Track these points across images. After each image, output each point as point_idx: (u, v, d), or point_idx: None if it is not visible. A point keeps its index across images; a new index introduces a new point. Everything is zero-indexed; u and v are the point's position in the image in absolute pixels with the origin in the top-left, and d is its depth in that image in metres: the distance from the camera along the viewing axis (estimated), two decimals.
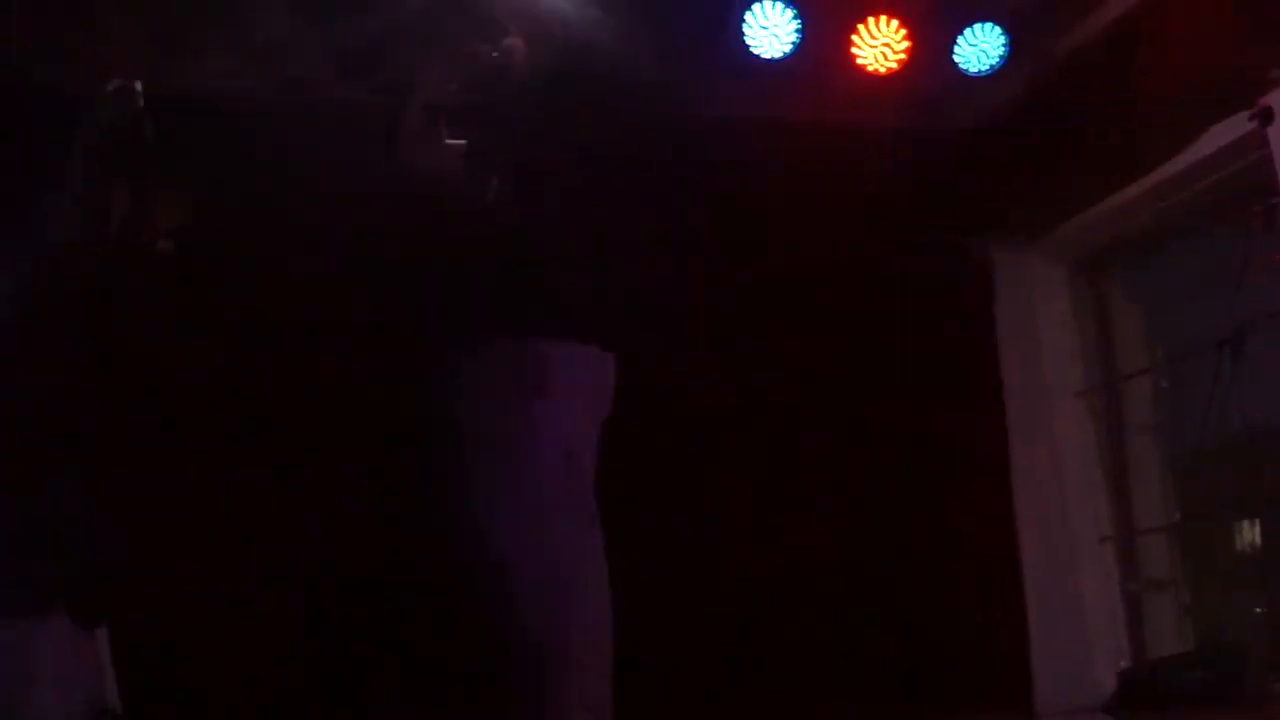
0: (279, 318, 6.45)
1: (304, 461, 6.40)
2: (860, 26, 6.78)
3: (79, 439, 3.76)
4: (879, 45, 6.80)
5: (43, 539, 3.55)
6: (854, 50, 6.81)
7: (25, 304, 3.68)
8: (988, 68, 6.89)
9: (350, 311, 6.34)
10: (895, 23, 6.76)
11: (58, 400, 3.70)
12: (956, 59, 6.89)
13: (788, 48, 6.67)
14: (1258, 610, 7.08)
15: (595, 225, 4.18)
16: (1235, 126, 6.22)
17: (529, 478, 3.66)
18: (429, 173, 4.28)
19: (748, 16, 6.61)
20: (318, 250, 6.56)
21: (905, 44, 6.78)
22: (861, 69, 6.85)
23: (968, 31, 6.84)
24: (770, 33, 6.63)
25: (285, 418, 6.43)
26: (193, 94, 6.33)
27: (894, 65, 6.83)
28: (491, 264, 3.96)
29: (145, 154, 3.72)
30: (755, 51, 6.66)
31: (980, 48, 6.85)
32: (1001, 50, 6.84)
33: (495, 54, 4.31)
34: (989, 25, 6.81)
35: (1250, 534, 7.26)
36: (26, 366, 3.68)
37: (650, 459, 6.46)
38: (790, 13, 6.62)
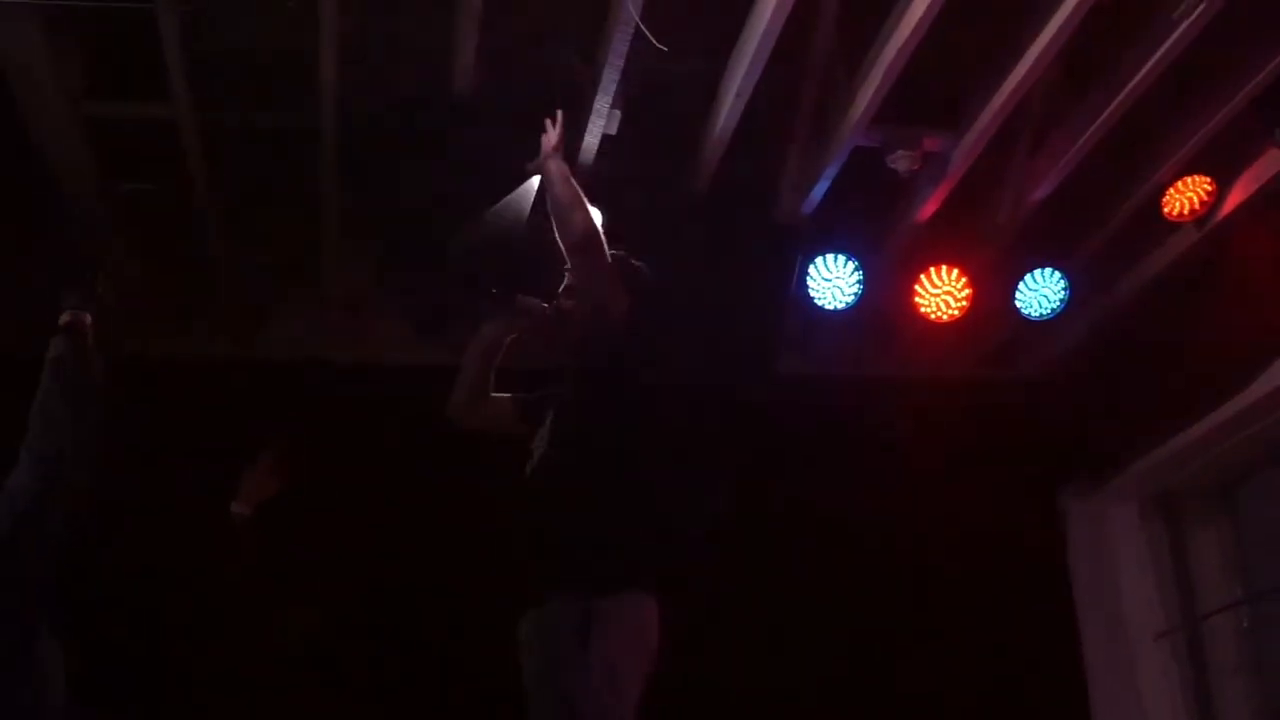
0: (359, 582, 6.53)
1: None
2: (922, 276, 6.88)
3: None
4: (940, 294, 6.89)
5: None
6: (917, 299, 6.90)
7: None
8: (1049, 312, 6.96)
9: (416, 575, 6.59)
10: (955, 271, 6.86)
11: None
12: (1018, 305, 6.97)
13: (850, 299, 6.76)
14: None
15: (662, 488, 4.28)
16: None
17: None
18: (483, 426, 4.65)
19: (812, 270, 6.70)
20: (393, 515, 6.67)
21: (966, 292, 6.87)
22: (924, 318, 6.93)
23: (1028, 278, 6.93)
24: (833, 285, 6.73)
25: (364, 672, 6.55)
26: (274, 361, 6.51)
27: (956, 313, 6.91)
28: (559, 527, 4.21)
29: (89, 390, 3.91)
30: (819, 304, 6.74)
31: (1041, 293, 6.94)
32: (1062, 295, 6.92)
33: (549, 310, 4.49)
34: (1049, 271, 6.90)
35: None
36: None
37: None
38: (852, 265, 6.73)
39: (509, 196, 5.63)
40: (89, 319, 4.03)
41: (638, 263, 4.53)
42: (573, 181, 4.40)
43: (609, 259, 4.34)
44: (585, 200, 4.32)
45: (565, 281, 4.52)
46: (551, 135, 4.50)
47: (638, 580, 4.15)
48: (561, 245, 4.35)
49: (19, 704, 3.72)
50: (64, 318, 4.01)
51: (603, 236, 4.32)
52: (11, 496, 3.77)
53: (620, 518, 4.17)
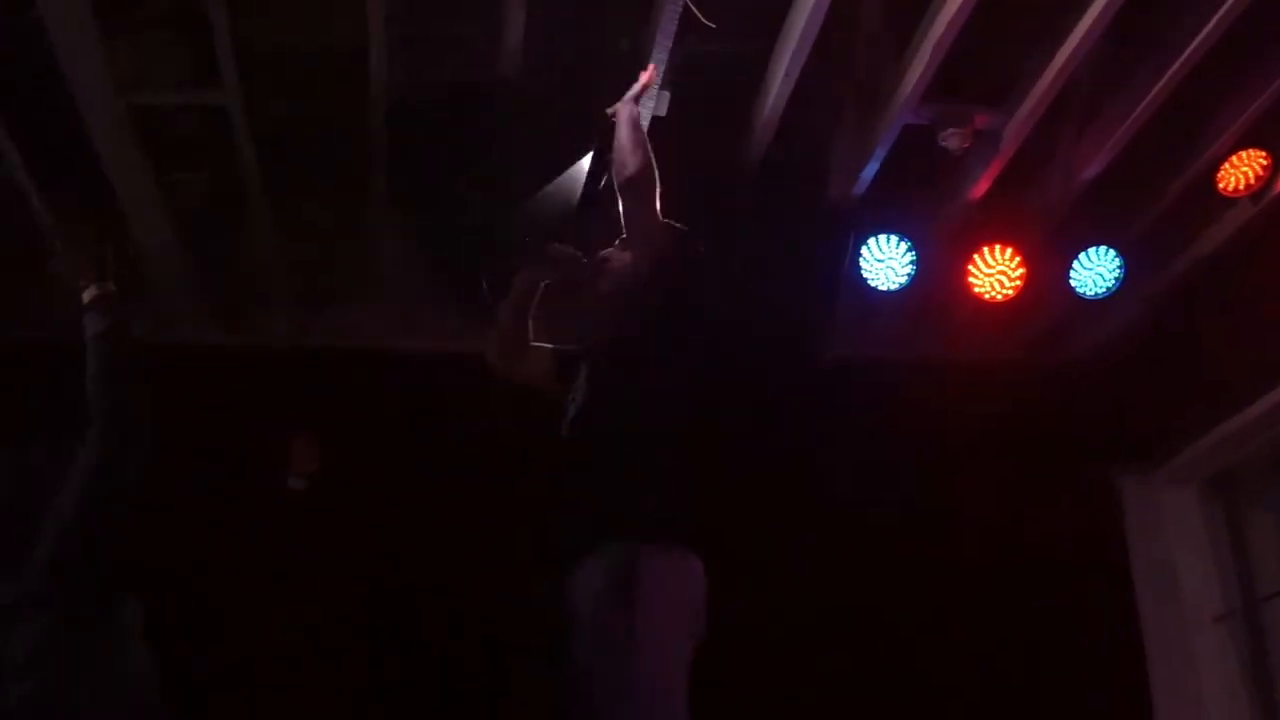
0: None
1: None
2: (975, 256, 6.83)
3: None
4: (995, 274, 6.82)
5: None
6: (970, 279, 6.84)
7: None
8: (1104, 291, 6.89)
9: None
10: (1010, 250, 6.80)
11: None
12: (1073, 284, 6.91)
13: (904, 279, 6.71)
14: None
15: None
16: None
17: (625, 682, 3.82)
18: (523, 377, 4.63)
19: (864, 251, 6.68)
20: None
21: (1020, 271, 6.81)
22: (979, 297, 6.87)
23: (1082, 256, 6.87)
24: (887, 265, 6.69)
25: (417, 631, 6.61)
26: (336, 345, 6.56)
27: (1010, 293, 6.84)
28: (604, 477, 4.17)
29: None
30: (873, 284, 6.70)
31: (1096, 271, 6.87)
32: (1117, 273, 6.86)
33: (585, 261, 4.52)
34: (1103, 249, 6.84)
35: None
36: None
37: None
38: (905, 245, 6.69)
39: (557, 179, 5.65)
40: (112, 289, 4.03)
41: (685, 230, 4.55)
42: (641, 127, 4.61)
43: (659, 206, 4.42)
44: (648, 146, 4.48)
45: (622, 236, 4.57)
46: (639, 82, 4.76)
47: (679, 534, 4.12)
48: (616, 185, 4.50)
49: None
50: (90, 293, 4.00)
51: (657, 182, 4.42)
52: (83, 470, 3.78)
53: (655, 472, 4.15)
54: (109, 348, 3.90)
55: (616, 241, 4.58)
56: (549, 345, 4.64)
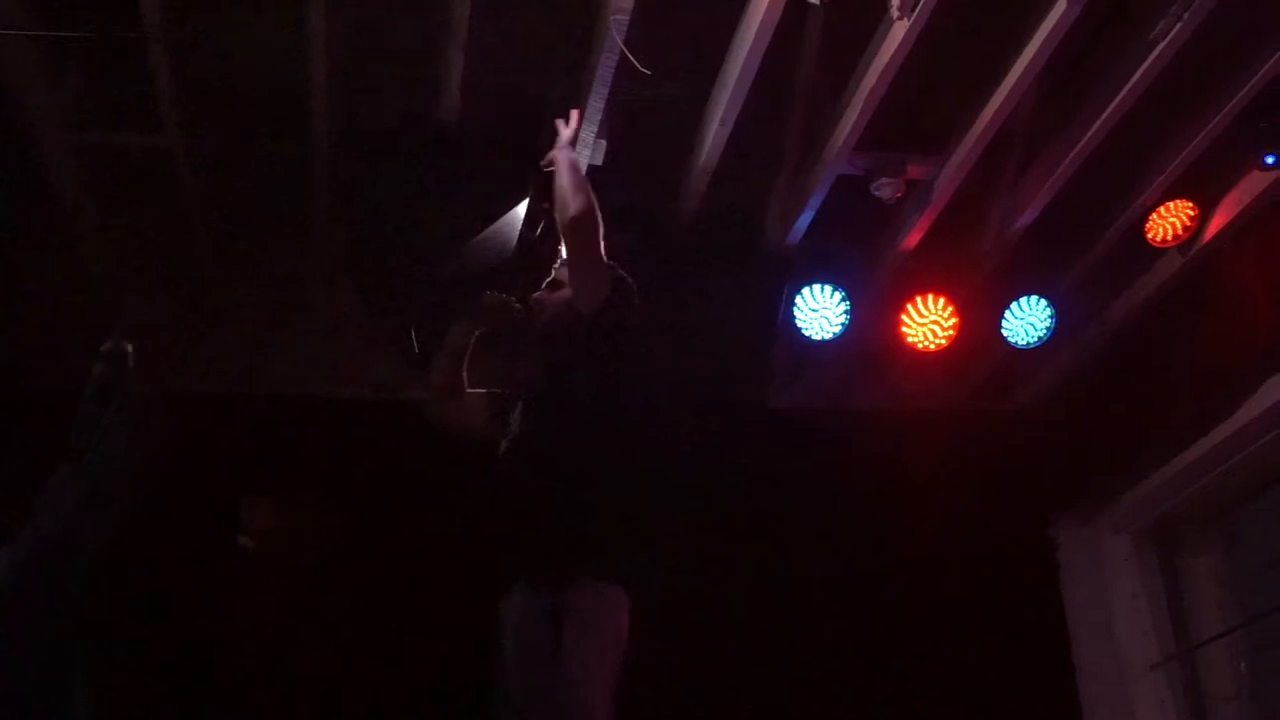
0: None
1: None
2: (908, 305, 6.90)
3: None
4: (928, 323, 6.90)
5: None
6: (903, 329, 6.92)
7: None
8: (1035, 340, 6.96)
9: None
10: (943, 300, 6.89)
11: None
12: (1005, 333, 6.98)
13: (838, 329, 6.77)
14: None
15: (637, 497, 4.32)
16: None
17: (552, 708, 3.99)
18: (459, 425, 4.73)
19: (799, 300, 6.73)
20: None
21: (953, 321, 6.89)
22: (912, 348, 6.95)
23: (1014, 306, 6.95)
24: (821, 315, 6.75)
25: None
26: (281, 395, 6.55)
27: (943, 342, 6.92)
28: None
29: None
30: (807, 334, 6.75)
31: (1027, 321, 6.95)
32: (1049, 323, 6.94)
33: (520, 305, 4.60)
34: (1035, 298, 6.93)
35: None
36: None
37: None
38: (839, 294, 6.74)
39: (496, 223, 5.70)
40: (129, 346, 4.14)
41: (624, 274, 4.64)
42: (580, 170, 4.70)
43: (602, 247, 4.48)
44: (589, 189, 4.54)
45: (550, 276, 4.68)
46: (566, 130, 4.80)
47: (607, 570, 4.18)
48: (560, 228, 4.57)
49: None
50: (106, 345, 4.10)
51: (600, 224, 4.48)
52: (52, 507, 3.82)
53: (588, 506, 4.23)
54: (109, 394, 3.99)
55: (544, 285, 4.66)
56: (484, 391, 4.71)
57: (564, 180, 4.58)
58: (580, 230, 4.45)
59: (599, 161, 5.87)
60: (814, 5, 4.91)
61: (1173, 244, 6.62)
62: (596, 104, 5.54)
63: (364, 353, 6.77)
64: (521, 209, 5.73)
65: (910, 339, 6.94)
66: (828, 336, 6.78)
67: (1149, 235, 6.62)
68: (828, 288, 6.76)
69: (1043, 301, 6.93)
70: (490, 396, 4.73)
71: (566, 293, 4.59)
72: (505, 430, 4.56)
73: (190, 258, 6.40)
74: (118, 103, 5.54)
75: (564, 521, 4.18)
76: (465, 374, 4.73)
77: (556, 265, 4.72)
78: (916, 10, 5.04)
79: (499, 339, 4.79)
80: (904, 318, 6.92)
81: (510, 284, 4.90)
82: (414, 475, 6.59)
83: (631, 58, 5.12)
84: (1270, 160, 6.07)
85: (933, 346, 6.93)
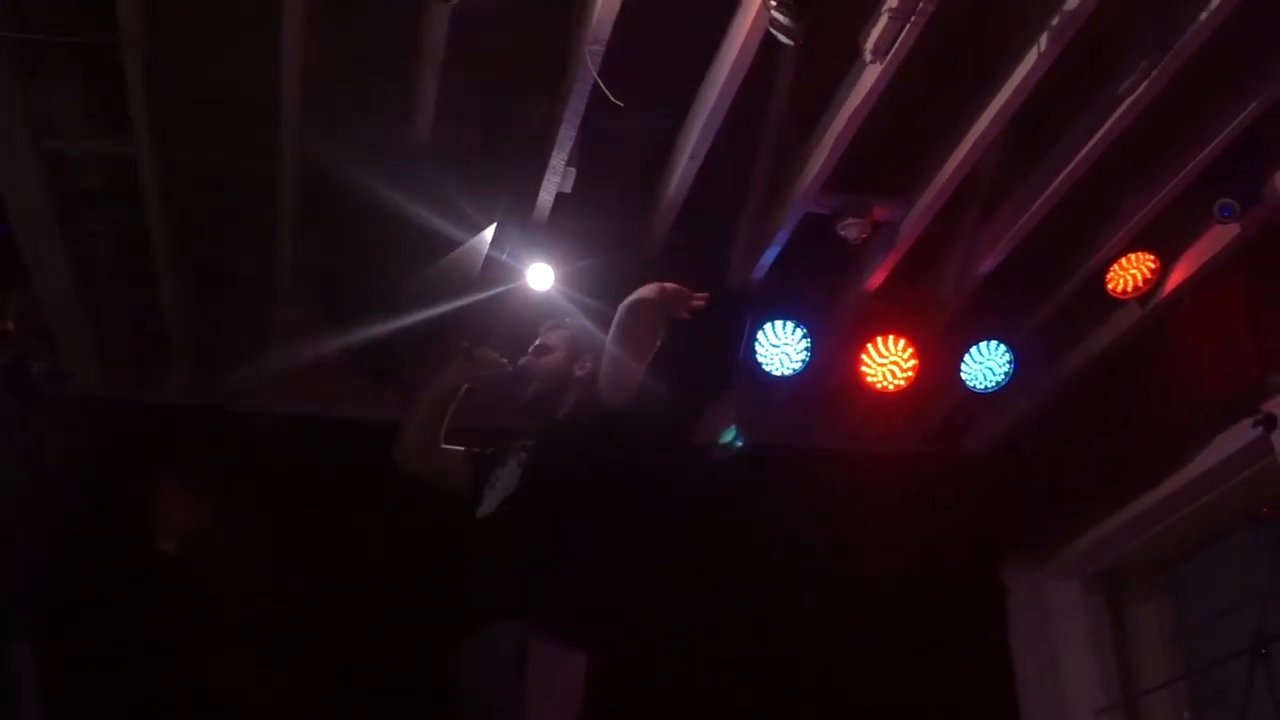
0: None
1: None
2: (869, 345, 6.94)
3: None
4: (887, 364, 6.94)
5: None
6: (863, 369, 6.95)
7: None
8: (994, 385, 7.01)
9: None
10: (903, 342, 6.93)
11: None
12: (963, 377, 7.02)
13: (798, 365, 6.80)
14: None
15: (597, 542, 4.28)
16: (1240, 435, 6.38)
17: None
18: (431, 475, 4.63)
19: (760, 336, 6.76)
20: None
21: (913, 362, 6.93)
22: (871, 387, 6.98)
23: (973, 350, 7.00)
24: (781, 351, 6.78)
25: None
26: (226, 407, 6.53)
27: (902, 383, 6.96)
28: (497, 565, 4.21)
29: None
30: (768, 369, 6.79)
31: (986, 365, 6.99)
32: (1007, 368, 6.98)
33: (511, 367, 4.55)
34: (994, 344, 6.97)
35: None
36: None
37: None
38: (801, 331, 6.78)
39: (463, 247, 5.70)
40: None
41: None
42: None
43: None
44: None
45: (537, 342, 4.58)
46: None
47: (574, 626, 4.15)
48: (612, 335, 4.28)
49: None
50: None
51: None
52: None
53: (570, 564, 4.17)
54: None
55: (530, 349, 4.60)
56: (461, 449, 4.62)
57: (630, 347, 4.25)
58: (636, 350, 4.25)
59: (567, 189, 5.89)
60: (787, 45, 4.95)
61: (1133, 295, 6.67)
62: (568, 132, 5.56)
63: (321, 368, 6.76)
64: (489, 232, 5.75)
65: (870, 378, 6.98)
66: (788, 373, 6.82)
67: (1109, 286, 6.66)
68: (790, 324, 6.80)
69: (1002, 346, 6.98)
70: (468, 456, 4.60)
71: (557, 359, 4.50)
72: (486, 485, 4.46)
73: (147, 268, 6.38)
74: (86, 109, 5.53)
75: (548, 578, 4.08)
76: (443, 428, 4.61)
77: (544, 328, 4.61)
78: (889, 55, 5.09)
79: (483, 397, 4.68)
80: (864, 357, 6.96)
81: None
82: (361, 495, 6.57)
83: (605, 88, 5.14)
84: (1226, 212, 6.13)
85: (891, 387, 6.97)
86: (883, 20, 4.96)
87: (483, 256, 5.80)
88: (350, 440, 6.46)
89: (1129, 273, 6.63)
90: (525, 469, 4.36)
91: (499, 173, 5.81)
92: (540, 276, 6.07)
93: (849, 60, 5.39)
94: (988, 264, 6.58)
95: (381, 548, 6.71)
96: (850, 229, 6.27)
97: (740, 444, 4.22)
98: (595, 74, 5.13)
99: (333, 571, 6.68)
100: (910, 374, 6.96)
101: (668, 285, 4.24)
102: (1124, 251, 6.57)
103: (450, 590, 4.26)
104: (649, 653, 6.36)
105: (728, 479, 7.07)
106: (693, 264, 6.53)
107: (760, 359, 6.80)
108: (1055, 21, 5.06)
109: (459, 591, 4.22)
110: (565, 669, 4.08)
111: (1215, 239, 6.35)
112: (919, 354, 6.95)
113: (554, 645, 4.03)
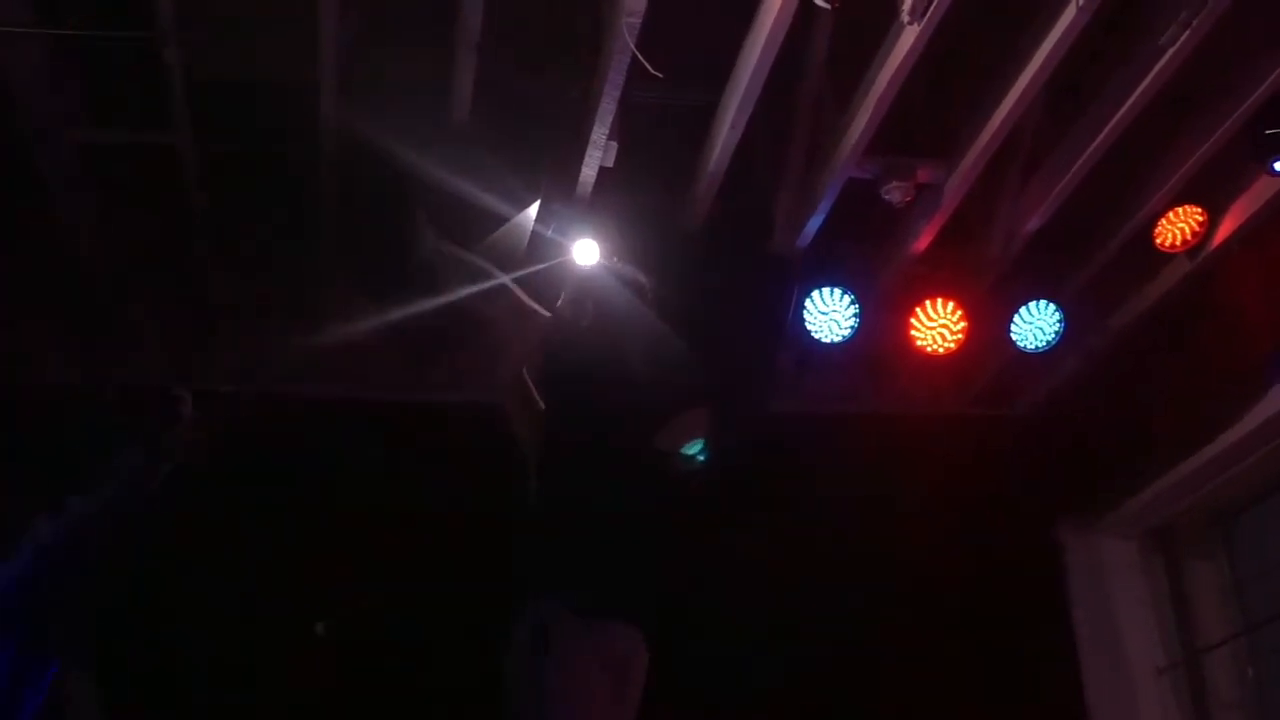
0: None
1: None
2: (917, 309, 6.91)
3: None
4: (936, 327, 6.91)
5: None
6: (912, 333, 6.93)
7: None
8: (1044, 345, 6.97)
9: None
10: (951, 304, 6.89)
11: None
12: (1013, 338, 6.98)
13: (847, 332, 6.78)
14: None
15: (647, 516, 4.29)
16: None
17: None
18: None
19: (808, 304, 6.75)
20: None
21: (962, 325, 6.90)
22: (920, 351, 6.96)
23: (1023, 310, 6.95)
24: (830, 318, 6.77)
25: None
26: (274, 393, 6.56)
27: (951, 346, 6.92)
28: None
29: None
30: (816, 337, 6.77)
31: (1036, 325, 6.95)
32: (1057, 327, 6.94)
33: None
34: (1043, 303, 6.93)
35: None
36: None
37: None
38: (849, 298, 6.76)
39: (506, 225, 5.71)
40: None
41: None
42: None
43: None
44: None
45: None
46: None
47: (609, 601, 4.15)
48: None
49: None
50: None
51: None
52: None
53: (610, 542, 4.18)
54: None
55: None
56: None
57: None
58: None
59: (609, 163, 5.89)
60: (824, 9, 4.92)
61: (1181, 249, 6.63)
62: (608, 106, 5.55)
63: (366, 354, 6.78)
64: (534, 209, 5.75)
65: (919, 342, 6.95)
66: (837, 339, 6.80)
67: (1157, 241, 6.62)
68: (837, 291, 6.78)
69: (1051, 306, 6.93)
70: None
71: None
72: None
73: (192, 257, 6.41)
74: (121, 101, 5.56)
75: (585, 557, 4.13)
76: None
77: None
78: (927, 15, 5.05)
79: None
80: (913, 321, 6.93)
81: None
82: (413, 476, 6.60)
83: (643, 60, 5.12)
84: (1279, 167, 6.08)
85: (941, 350, 6.94)
86: None
87: (528, 233, 5.81)
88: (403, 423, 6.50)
89: (1177, 226, 6.58)
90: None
91: (539, 149, 5.81)
92: (586, 251, 6.08)
93: (887, 22, 5.34)
94: (1033, 223, 6.53)
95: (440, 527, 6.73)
96: (894, 193, 6.24)
97: (704, 459, 4.23)
98: (633, 46, 5.12)
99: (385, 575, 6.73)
100: (960, 336, 6.92)
101: None
102: (1171, 205, 6.52)
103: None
104: (696, 597, 6.41)
105: (775, 446, 7.08)
106: (737, 235, 6.54)
107: (809, 327, 6.78)
108: None
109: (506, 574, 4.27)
110: (591, 642, 4.06)
111: (1263, 189, 6.31)
112: (968, 316, 6.91)
113: (576, 621, 4.03)
